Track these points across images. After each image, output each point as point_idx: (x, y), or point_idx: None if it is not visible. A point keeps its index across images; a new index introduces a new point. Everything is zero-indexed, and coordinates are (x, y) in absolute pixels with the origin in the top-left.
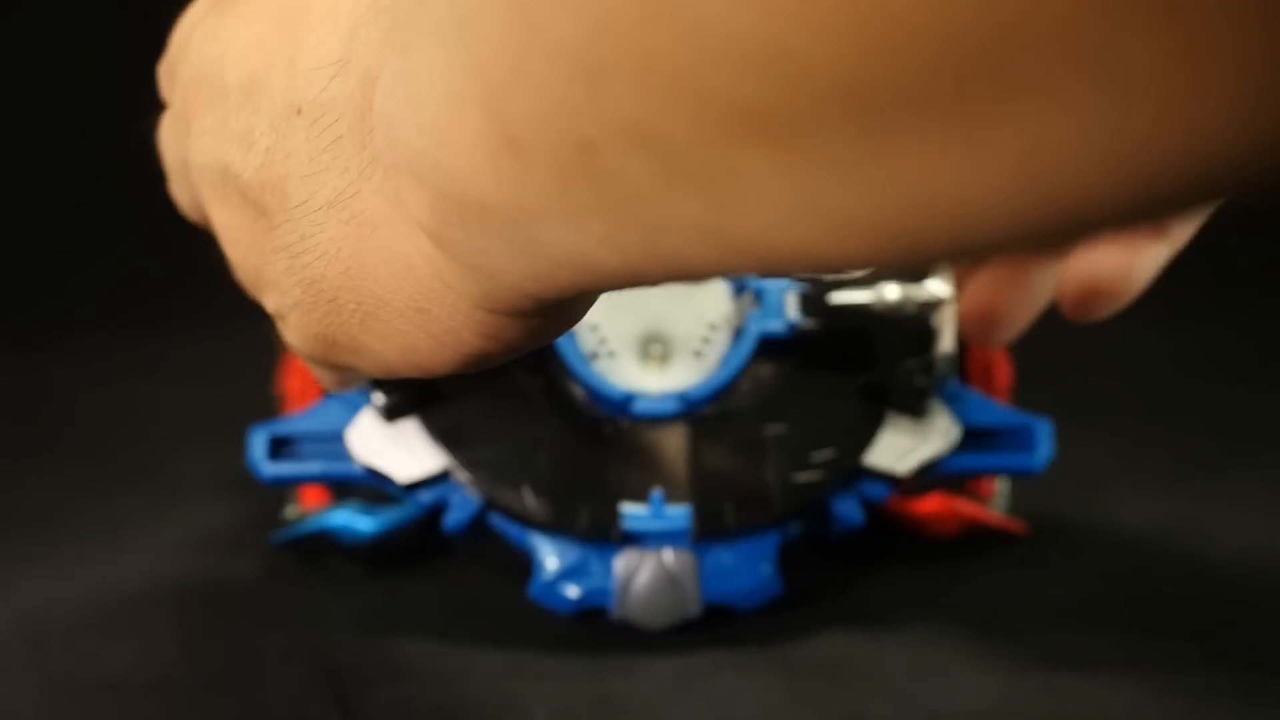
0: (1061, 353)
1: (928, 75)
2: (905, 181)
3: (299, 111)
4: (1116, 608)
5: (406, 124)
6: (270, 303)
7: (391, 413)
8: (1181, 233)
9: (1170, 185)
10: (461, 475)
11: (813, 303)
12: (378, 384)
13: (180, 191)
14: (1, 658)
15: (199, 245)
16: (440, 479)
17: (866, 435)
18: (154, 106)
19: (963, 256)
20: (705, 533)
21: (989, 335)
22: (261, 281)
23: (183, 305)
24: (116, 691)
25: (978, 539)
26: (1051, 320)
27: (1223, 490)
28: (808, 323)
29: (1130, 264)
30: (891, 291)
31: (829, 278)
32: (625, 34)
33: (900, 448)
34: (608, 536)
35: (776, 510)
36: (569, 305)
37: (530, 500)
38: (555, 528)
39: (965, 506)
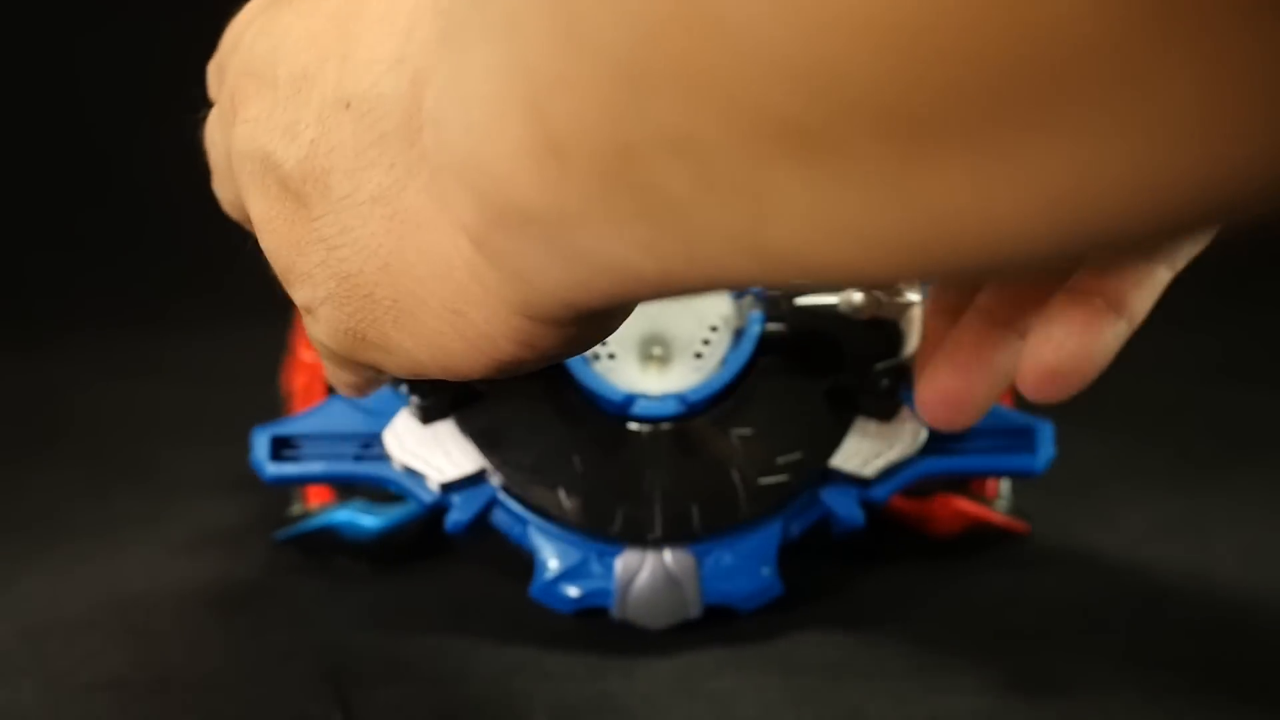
0: None
1: (959, 99)
2: (935, 202)
3: (348, 106)
4: (1116, 608)
5: (455, 125)
6: (301, 296)
7: (428, 414)
8: (1140, 309)
9: (1198, 210)
10: (497, 477)
11: (779, 305)
12: (413, 387)
13: (222, 187)
14: (1, 658)
15: (199, 246)
16: (475, 480)
17: (834, 438)
18: (157, 109)
19: (991, 275)
20: (673, 534)
21: (951, 421)
22: (294, 273)
23: (183, 306)
24: (116, 691)
25: (979, 539)
26: None
27: (1223, 490)
28: (775, 326)
29: (1090, 346)
30: (858, 294)
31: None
32: (668, 43)
33: (867, 451)
34: (643, 539)
35: (742, 513)
36: (606, 315)
37: (566, 502)
38: (590, 529)
39: (968, 506)
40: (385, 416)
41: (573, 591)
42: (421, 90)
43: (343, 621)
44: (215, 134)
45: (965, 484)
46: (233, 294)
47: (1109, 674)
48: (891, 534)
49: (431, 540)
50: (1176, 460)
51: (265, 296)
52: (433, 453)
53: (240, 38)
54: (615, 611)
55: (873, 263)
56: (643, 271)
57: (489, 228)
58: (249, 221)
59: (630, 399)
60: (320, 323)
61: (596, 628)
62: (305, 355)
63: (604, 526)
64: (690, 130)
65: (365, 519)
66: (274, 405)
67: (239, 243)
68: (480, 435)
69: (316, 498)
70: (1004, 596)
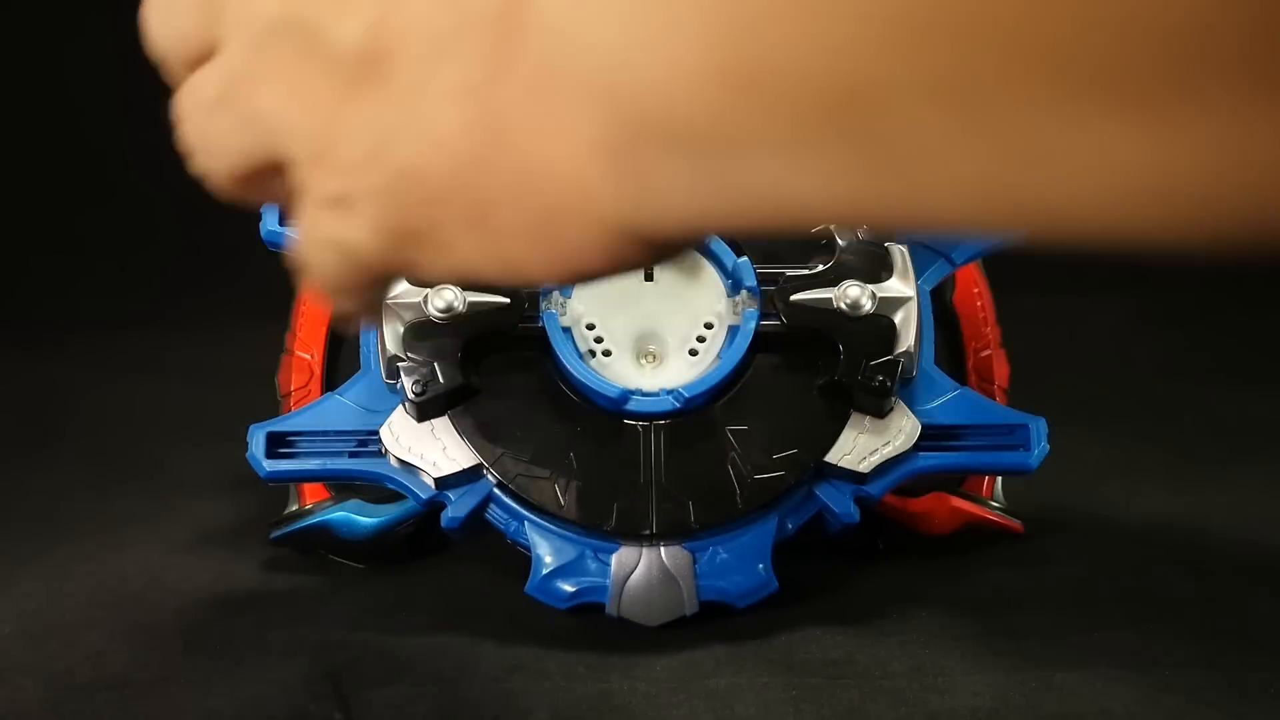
0: (1061, 353)
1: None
2: (1216, 150)
3: None
4: (1116, 606)
5: (594, 38)
6: (334, 185)
7: (424, 411)
8: None
9: None
10: (493, 473)
11: (774, 302)
12: (411, 384)
13: (182, 18)
14: (1, 658)
15: (200, 248)
16: (471, 476)
17: (829, 434)
18: (158, 110)
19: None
20: (671, 530)
21: None
22: (329, 161)
23: (183, 306)
24: (116, 691)
25: (976, 537)
26: (1051, 320)
27: (1223, 490)
28: (770, 323)
29: None
30: (853, 291)
31: (796, 274)
32: None
33: (862, 447)
34: (638, 535)
35: (738, 508)
36: (684, 244)
37: (562, 498)
38: (586, 525)
39: (963, 504)
40: (381, 414)
41: (568, 588)
42: None
43: (342, 621)
44: None
45: (960, 483)
46: (232, 294)
47: (1108, 673)
48: (890, 533)
49: (429, 539)
50: (1176, 460)
51: (265, 297)
52: (429, 449)
53: None
54: (610, 608)
55: (1133, 211)
56: (816, 204)
57: (627, 143)
58: (187, 70)
59: (625, 395)
60: (358, 215)
61: (596, 627)
62: (301, 354)
63: (600, 522)
64: (963, 75)
65: (361, 517)
66: (274, 405)
67: (238, 244)
68: (476, 431)
69: (313, 496)
70: (1003, 596)
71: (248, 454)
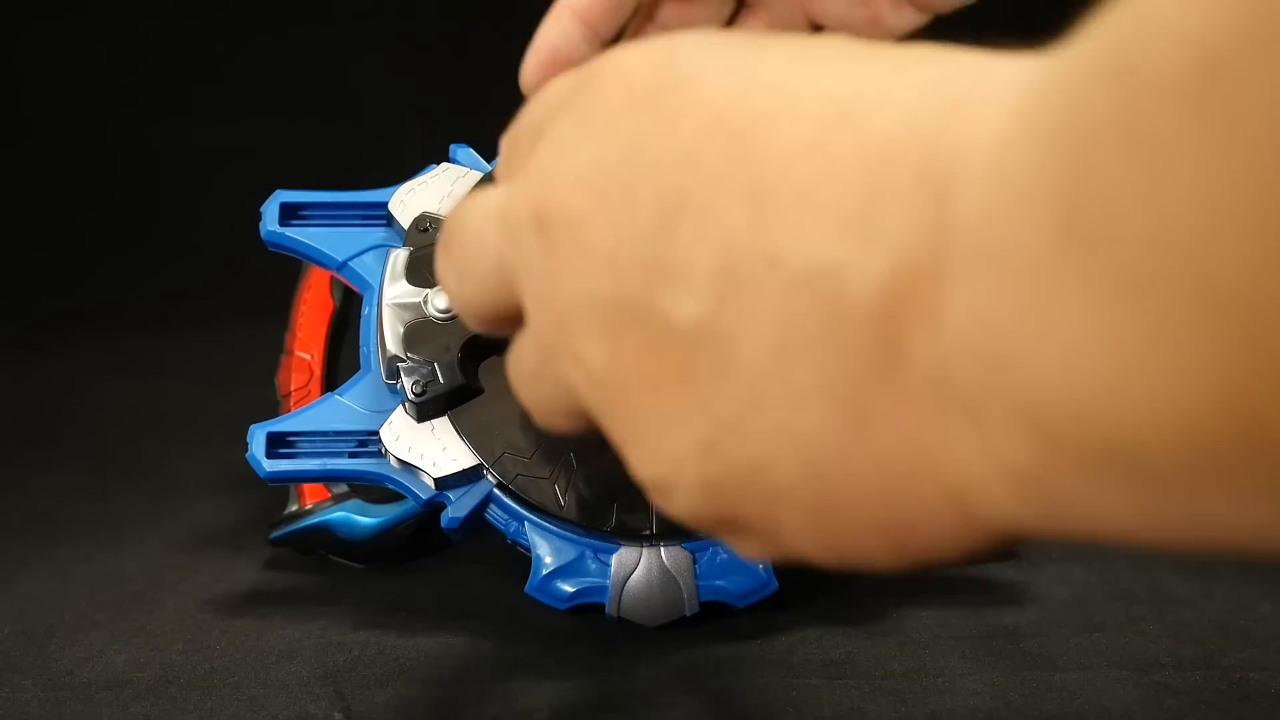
0: None
1: None
2: None
3: (774, 264)
4: (1116, 606)
5: (1035, 367)
6: (653, 472)
7: (424, 411)
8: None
9: None
10: (493, 473)
11: None
12: (411, 384)
13: (481, 292)
14: (1, 658)
15: (200, 248)
16: (471, 476)
17: None
18: (159, 111)
19: None
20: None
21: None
22: (648, 447)
23: (183, 306)
24: (116, 691)
25: None
26: None
27: None
28: None
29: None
30: None
31: None
32: None
33: None
34: (638, 535)
35: None
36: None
37: (562, 498)
38: (585, 526)
39: None
40: (381, 415)
41: (568, 588)
42: (923, 293)
43: (342, 621)
44: (492, 233)
45: None
46: (233, 295)
47: (1109, 674)
48: None
49: (430, 539)
50: None
51: (265, 297)
52: (429, 449)
53: (556, 122)
54: (610, 608)
55: None
56: (1252, 537)
57: (1056, 470)
58: (495, 329)
59: None
60: (680, 500)
61: (595, 626)
62: (301, 354)
63: (600, 523)
64: None
65: (361, 518)
66: (274, 405)
67: (238, 245)
68: (476, 431)
69: (313, 497)
70: (1003, 596)
71: (248, 454)
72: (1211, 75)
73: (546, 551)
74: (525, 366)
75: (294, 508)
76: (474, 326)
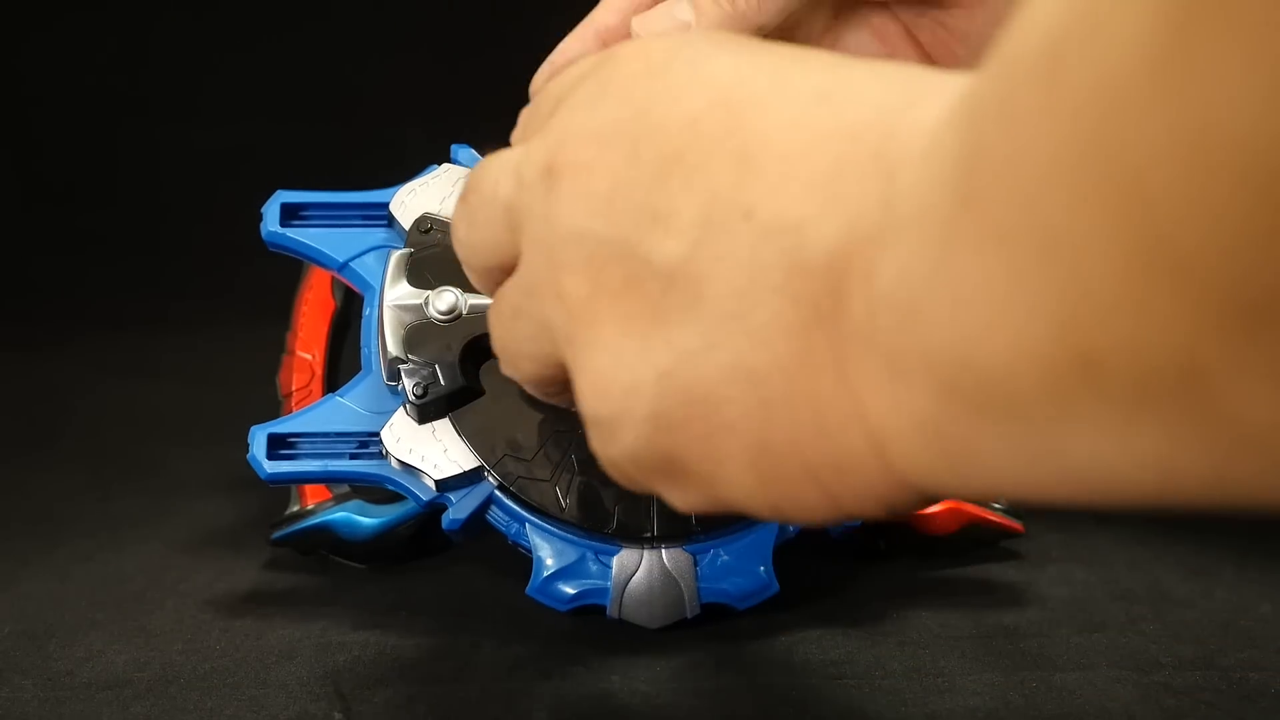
0: None
1: None
2: None
3: (749, 217)
4: (1116, 606)
5: (936, 319)
6: (607, 406)
7: (424, 413)
8: None
9: None
10: (494, 475)
11: None
12: (413, 385)
13: (481, 229)
14: (1, 658)
15: (200, 248)
16: (472, 478)
17: None
18: (159, 112)
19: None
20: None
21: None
22: (608, 376)
23: (183, 307)
24: (116, 691)
25: (978, 538)
26: None
27: None
28: None
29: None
30: None
31: None
32: None
33: None
34: (639, 537)
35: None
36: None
37: (563, 500)
38: (586, 528)
39: (965, 505)
40: (383, 416)
41: (569, 590)
42: (864, 254)
43: (343, 621)
44: (506, 182)
45: None
46: (232, 295)
47: (1109, 674)
48: (891, 533)
49: (431, 540)
50: None
51: (266, 298)
52: (430, 450)
53: (575, 91)
54: (611, 610)
55: None
56: (1125, 479)
57: (957, 417)
58: (492, 279)
59: None
60: (619, 437)
61: (596, 627)
62: (303, 354)
63: (601, 525)
64: None
65: (362, 518)
66: (274, 406)
67: (238, 245)
68: (477, 433)
69: (314, 497)
70: (1003, 596)
71: (249, 455)
72: (1056, 59)
73: (548, 553)
74: (507, 304)
75: (295, 508)
76: (475, 277)
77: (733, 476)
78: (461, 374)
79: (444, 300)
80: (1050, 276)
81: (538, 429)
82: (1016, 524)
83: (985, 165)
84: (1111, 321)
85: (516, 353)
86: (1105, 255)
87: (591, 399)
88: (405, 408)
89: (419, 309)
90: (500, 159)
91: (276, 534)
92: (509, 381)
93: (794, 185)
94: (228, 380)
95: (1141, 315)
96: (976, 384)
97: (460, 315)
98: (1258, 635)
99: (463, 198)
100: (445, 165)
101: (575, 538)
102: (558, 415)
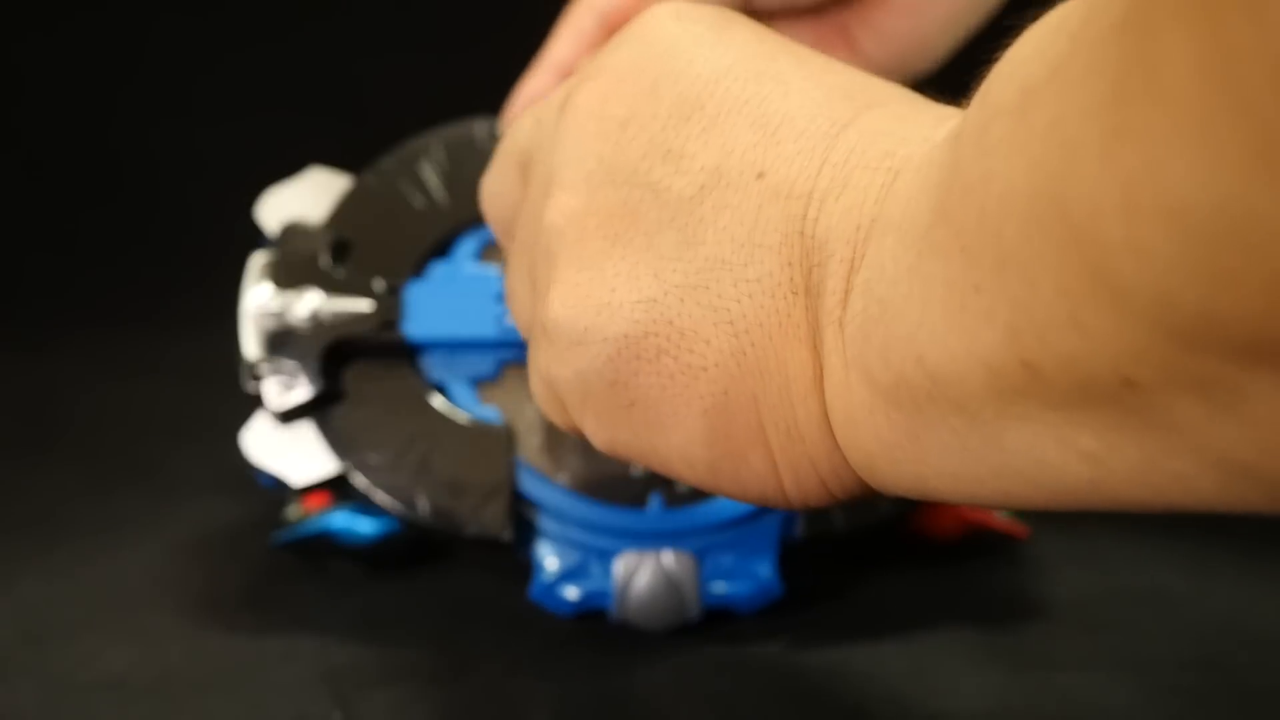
0: None
1: None
2: None
3: (760, 176)
4: (1116, 608)
5: (901, 316)
6: (576, 311)
7: (287, 416)
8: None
9: None
10: (357, 479)
11: None
12: (270, 384)
13: (500, 178)
14: (1, 658)
15: (199, 246)
16: (336, 483)
17: None
18: (158, 109)
19: None
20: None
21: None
22: (588, 296)
23: (183, 306)
24: (116, 691)
25: (979, 540)
26: None
27: None
28: None
29: None
30: None
31: None
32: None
33: None
34: (497, 536)
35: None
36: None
37: (418, 500)
38: (443, 529)
39: (968, 510)
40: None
41: (571, 593)
42: (854, 241)
43: (342, 622)
44: (525, 126)
45: None
46: (232, 294)
47: (1109, 674)
48: (892, 535)
49: (429, 543)
50: None
51: None
52: (292, 455)
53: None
54: (614, 614)
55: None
56: (1069, 479)
57: (899, 407)
58: (504, 220)
59: None
60: (582, 352)
61: (596, 628)
62: None
63: (454, 524)
64: (1220, 371)
65: (362, 524)
66: None
67: (239, 244)
68: (339, 437)
69: (313, 500)
70: (1003, 596)
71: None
72: (1027, 102)
73: (549, 557)
74: (512, 246)
75: (294, 512)
76: (496, 230)
77: (681, 423)
78: (323, 378)
79: (305, 304)
80: (1003, 291)
81: (399, 433)
82: (1021, 529)
83: (959, 184)
84: (1054, 336)
85: (512, 292)
86: (1051, 278)
87: (560, 306)
88: (267, 412)
89: (280, 313)
90: (529, 111)
91: (275, 539)
92: (371, 385)
93: (809, 161)
94: (228, 380)
95: (1081, 333)
96: (928, 379)
97: (321, 319)
98: (1258, 635)
99: (494, 156)
100: (315, 168)
101: (578, 540)
102: (420, 419)
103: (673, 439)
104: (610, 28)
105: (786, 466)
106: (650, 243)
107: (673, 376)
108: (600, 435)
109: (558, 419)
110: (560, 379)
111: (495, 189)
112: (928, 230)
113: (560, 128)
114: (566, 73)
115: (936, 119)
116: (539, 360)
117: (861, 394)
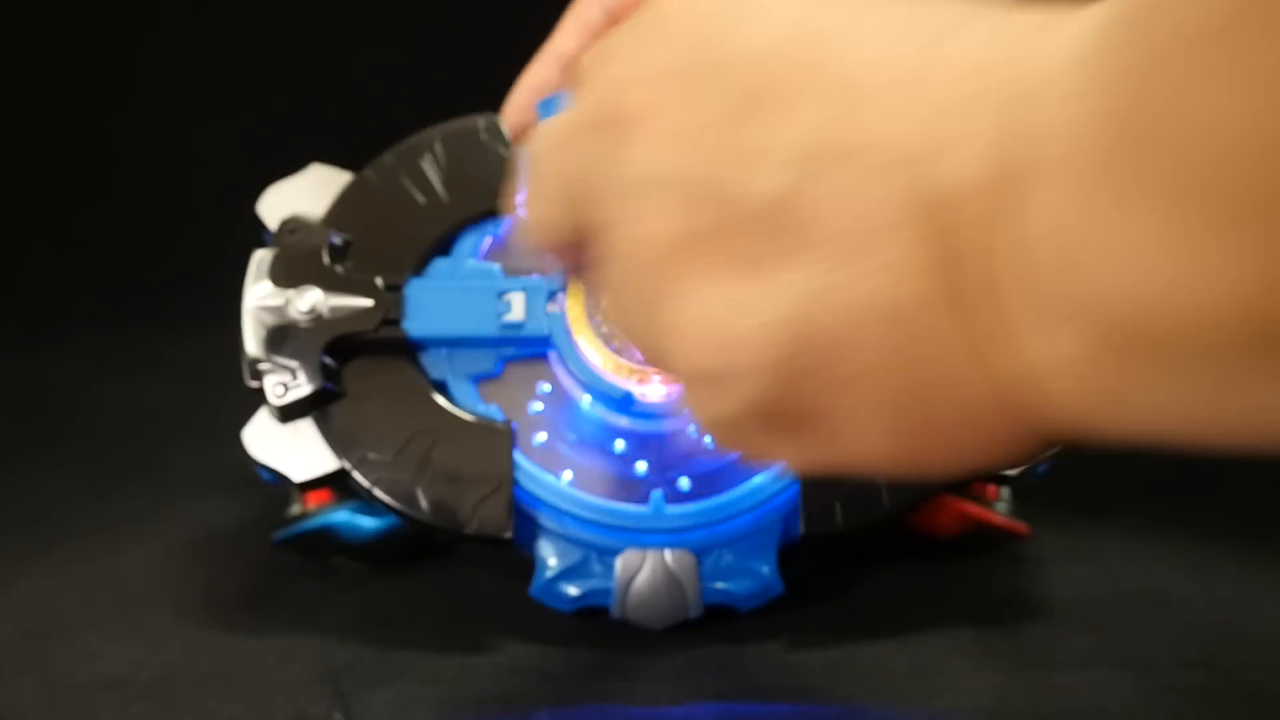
0: None
1: None
2: None
3: (857, 150)
4: (1116, 608)
5: (1097, 268)
6: (709, 356)
7: (288, 412)
8: None
9: None
10: (357, 476)
11: None
12: (275, 384)
13: (549, 205)
14: (1, 658)
15: (199, 246)
16: (335, 479)
17: None
18: (158, 109)
19: None
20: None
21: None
22: (714, 328)
23: (183, 306)
24: (116, 691)
25: (979, 539)
26: None
27: (1222, 489)
28: None
29: None
30: None
31: None
32: None
33: None
34: (497, 537)
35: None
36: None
37: (421, 498)
38: (443, 527)
39: (969, 508)
40: None
41: (572, 591)
42: (1008, 191)
43: (343, 621)
44: (558, 150)
45: (966, 486)
46: (232, 294)
47: (1109, 674)
48: (893, 534)
49: (433, 540)
50: (1176, 460)
51: None
52: (291, 452)
53: (620, 43)
54: (615, 611)
55: None
56: None
57: (1114, 361)
58: (567, 260)
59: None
60: (741, 390)
61: (597, 627)
62: None
63: (455, 523)
64: None
65: (363, 520)
66: None
67: (239, 244)
68: (339, 435)
69: (314, 497)
70: (1003, 596)
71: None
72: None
73: (549, 554)
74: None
75: (296, 509)
76: (552, 261)
77: (860, 427)
78: (323, 374)
79: (306, 300)
80: (1246, 242)
81: (400, 430)
82: (1021, 526)
83: (1158, 105)
84: None
85: (625, 332)
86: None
87: (695, 354)
88: (267, 409)
89: (281, 309)
90: (548, 132)
91: (277, 535)
92: (372, 382)
93: (913, 116)
94: (228, 380)
95: None
96: (1149, 333)
97: (322, 316)
98: (1258, 635)
99: (527, 180)
100: (315, 165)
101: (579, 538)
102: (421, 416)
103: (857, 445)
104: (616, 20)
105: (966, 445)
106: (760, 255)
107: (838, 387)
108: (791, 459)
109: (742, 450)
110: (727, 417)
111: (538, 221)
112: (1111, 172)
113: (621, 154)
114: (570, 64)
115: (1034, 27)
116: (694, 402)
117: (1065, 351)
